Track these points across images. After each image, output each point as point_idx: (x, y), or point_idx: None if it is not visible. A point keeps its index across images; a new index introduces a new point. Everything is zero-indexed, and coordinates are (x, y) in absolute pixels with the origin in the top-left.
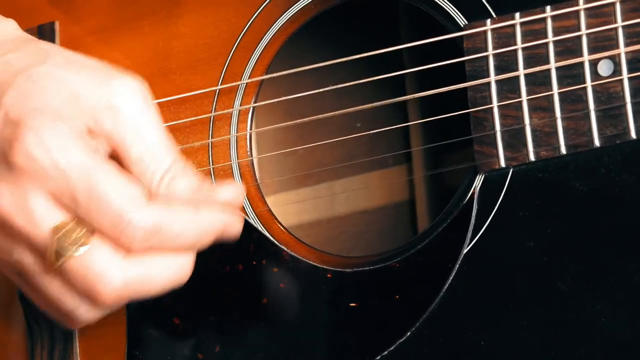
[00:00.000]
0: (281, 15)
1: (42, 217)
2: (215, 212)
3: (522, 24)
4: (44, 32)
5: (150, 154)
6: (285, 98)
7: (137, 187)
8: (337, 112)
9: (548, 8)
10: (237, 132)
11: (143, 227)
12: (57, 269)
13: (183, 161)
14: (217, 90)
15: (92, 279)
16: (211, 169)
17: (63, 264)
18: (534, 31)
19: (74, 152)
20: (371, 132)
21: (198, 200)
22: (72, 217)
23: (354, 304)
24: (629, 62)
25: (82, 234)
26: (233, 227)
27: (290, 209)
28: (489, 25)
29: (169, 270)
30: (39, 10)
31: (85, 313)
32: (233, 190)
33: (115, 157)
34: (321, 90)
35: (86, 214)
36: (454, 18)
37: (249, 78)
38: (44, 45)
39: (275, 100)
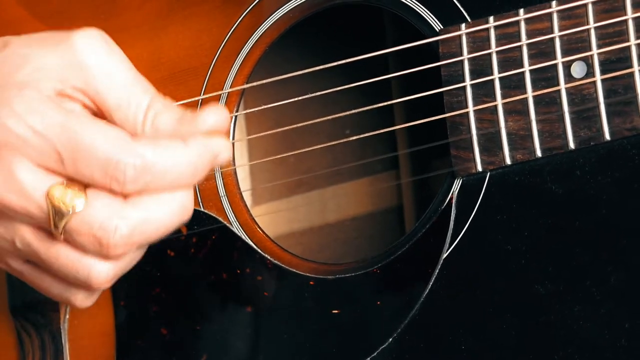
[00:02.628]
0: (261, 25)
1: (33, 187)
2: (203, 142)
3: (496, 27)
4: None
5: (127, 96)
6: (268, 106)
7: (118, 129)
8: (324, 118)
9: (521, 11)
10: None
11: (132, 165)
12: (62, 233)
13: (161, 96)
14: (200, 101)
15: (98, 232)
16: None
17: (66, 226)
18: (507, 34)
19: (46, 113)
20: (358, 137)
21: (184, 133)
22: (63, 178)
23: (336, 311)
24: (601, 64)
25: (76, 191)
26: (223, 153)
27: (282, 218)
28: (463, 29)
29: (170, 209)
30: (23, 24)
31: (103, 271)
32: (217, 113)
33: (96, 115)
34: (305, 97)
35: (74, 169)
36: (430, 23)
37: (230, 87)
38: (5, 37)
39: (257, 109)
